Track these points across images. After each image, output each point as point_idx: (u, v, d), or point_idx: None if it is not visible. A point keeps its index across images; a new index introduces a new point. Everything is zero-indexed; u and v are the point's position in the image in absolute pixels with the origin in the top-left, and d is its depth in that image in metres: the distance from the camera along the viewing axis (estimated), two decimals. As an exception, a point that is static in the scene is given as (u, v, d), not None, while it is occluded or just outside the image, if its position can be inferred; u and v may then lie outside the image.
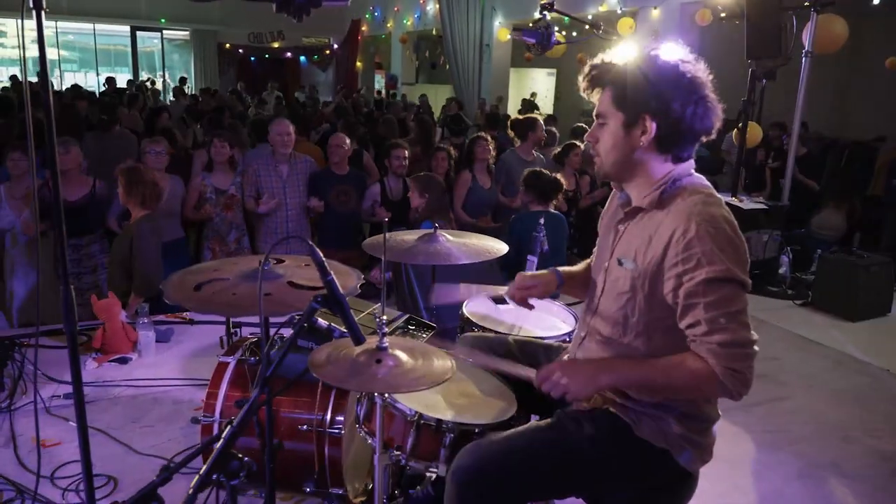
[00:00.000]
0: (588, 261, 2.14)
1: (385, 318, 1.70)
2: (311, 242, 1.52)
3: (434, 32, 16.53)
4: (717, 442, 3.31)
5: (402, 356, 1.68)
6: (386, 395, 1.88)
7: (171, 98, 15.37)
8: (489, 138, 5.78)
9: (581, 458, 1.76)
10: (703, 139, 1.73)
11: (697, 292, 1.57)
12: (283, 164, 5.02)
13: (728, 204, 5.43)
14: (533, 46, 4.20)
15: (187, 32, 20.66)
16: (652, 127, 1.67)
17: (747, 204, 5.74)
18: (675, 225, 1.63)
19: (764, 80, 5.89)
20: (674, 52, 1.72)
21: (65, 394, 3.42)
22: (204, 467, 1.47)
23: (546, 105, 17.22)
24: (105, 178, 4.71)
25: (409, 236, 2.87)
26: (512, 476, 1.72)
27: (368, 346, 1.68)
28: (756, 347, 1.59)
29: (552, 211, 4.52)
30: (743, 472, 3.10)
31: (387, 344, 1.67)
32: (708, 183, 1.76)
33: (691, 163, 1.76)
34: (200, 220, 5.02)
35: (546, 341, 2.27)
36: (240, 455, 1.52)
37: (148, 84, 17.67)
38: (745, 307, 1.59)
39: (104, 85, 14.85)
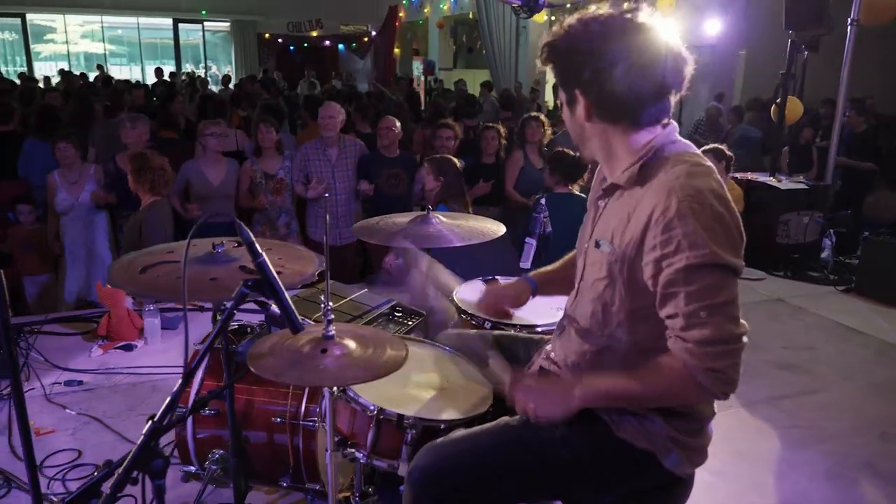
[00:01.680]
0: (569, 255, 1.97)
1: (331, 304, 1.56)
2: (238, 220, 1.39)
3: (471, 16, 16.28)
4: (738, 438, 3.13)
5: (351, 345, 1.54)
6: (342, 387, 1.75)
7: (221, 86, 15.55)
8: (542, 119, 5.59)
9: (553, 459, 1.58)
10: (674, 95, 1.52)
11: (677, 280, 1.38)
12: (332, 148, 4.94)
13: (765, 184, 5.09)
14: (519, 10, 3.98)
15: (228, 24, 20.87)
16: (583, 100, 1.51)
17: (786, 184, 5.40)
18: (655, 202, 1.42)
19: (806, 52, 5.52)
20: (615, 7, 1.51)
21: (66, 381, 3.41)
22: (123, 465, 1.36)
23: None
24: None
25: (402, 218, 2.73)
26: (475, 479, 1.57)
27: (314, 335, 1.54)
28: (745, 340, 1.39)
29: (575, 192, 4.32)
30: (764, 471, 2.87)
31: (333, 332, 1.53)
32: (696, 150, 1.55)
33: (673, 128, 1.55)
34: (254, 208, 4.97)
35: (528, 335, 2.09)
36: (165, 454, 1.40)
37: (186, 76, 17.97)
38: (732, 298, 1.38)
39: (155, 76, 15.16)
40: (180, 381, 1.41)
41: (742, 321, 1.40)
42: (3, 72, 17.85)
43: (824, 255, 5.44)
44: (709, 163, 1.51)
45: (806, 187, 5.45)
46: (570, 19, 1.51)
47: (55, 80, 15.31)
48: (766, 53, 8.72)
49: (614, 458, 1.59)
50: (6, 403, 3.17)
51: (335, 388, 1.62)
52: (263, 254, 1.40)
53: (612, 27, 1.45)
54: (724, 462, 2.92)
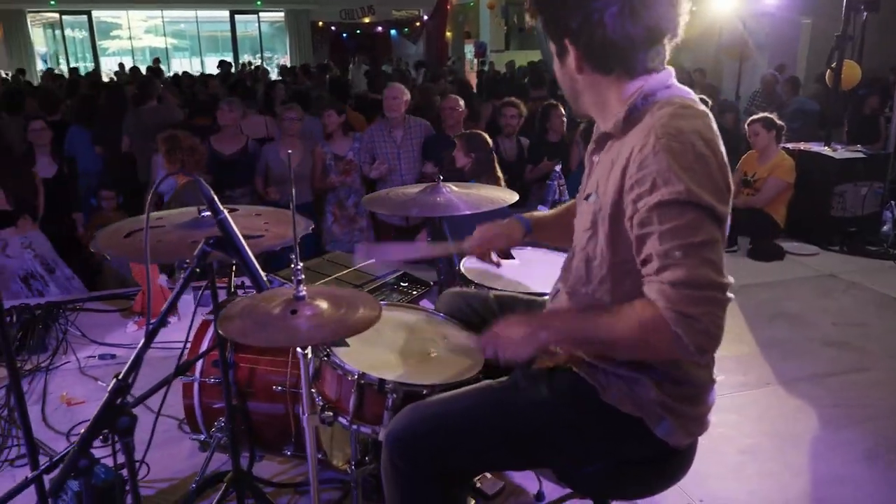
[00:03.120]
0: (570, 203, 1.88)
1: (302, 264, 1.52)
2: (198, 176, 1.37)
3: (522, -5, 15.99)
4: (774, 416, 2.97)
5: (323, 305, 1.50)
6: (325, 351, 1.72)
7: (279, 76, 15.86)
8: None
9: (532, 424, 1.51)
10: (668, 41, 1.41)
11: (650, 219, 1.28)
12: (398, 129, 4.98)
13: (818, 154, 4.79)
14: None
15: (282, 13, 21.19)
16: (573, 51, 1.42)
17: (841, 153, 5.08)
18: (634, 143, 1.34)
19: (865, 13, 5.16)
20: None
21: (100, 355, 3.52)
22: (89, 424, 1.37)
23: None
24: (141, 149, 4.87)
25: (412, 189, 2.68)
26: (452, 442, 1.51)
27: (286, 297, 1.51)
28: (729, 294, 1.27)
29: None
30: (799, 451, 2.71)
31: (304, 293, 1.49)
32: (691, 94, 1.44)
33: (668, 73, 1.44)
34: (326, 189, 5.10)
35: (529, 296, 2.01)
36: (132, 411, 1.40)
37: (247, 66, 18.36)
38: (711, 240, 1.26)
39: (217, 68, 15.54)
40: (143, 341, 1.41)
41: (727, 274, 1.28)
42: (74, 68, 18.66)
43: (885, 228, 5.11)
44: (703, 107, 1.40)
45: (863, 156, 5.11)
46: None
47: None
48: (833, 22, 8.24)
49: (600, 424, 1.50)
50: (41, 376, 3.31)
51: (310, 350, 1.59)
52: (224, 211, 1.38)
53: None
54: (756, 441, 2.77)
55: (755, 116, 5.07)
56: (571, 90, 1.53)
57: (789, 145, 5.25)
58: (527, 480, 2.43)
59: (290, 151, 1.64)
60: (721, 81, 10.85)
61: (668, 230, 1.26)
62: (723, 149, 1.35)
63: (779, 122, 4.97)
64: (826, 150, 5.13)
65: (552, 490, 2.30)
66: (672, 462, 1.61)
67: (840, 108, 5.59)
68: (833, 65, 5.15)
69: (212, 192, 1.38)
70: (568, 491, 2.05)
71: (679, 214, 1.26)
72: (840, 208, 5.12)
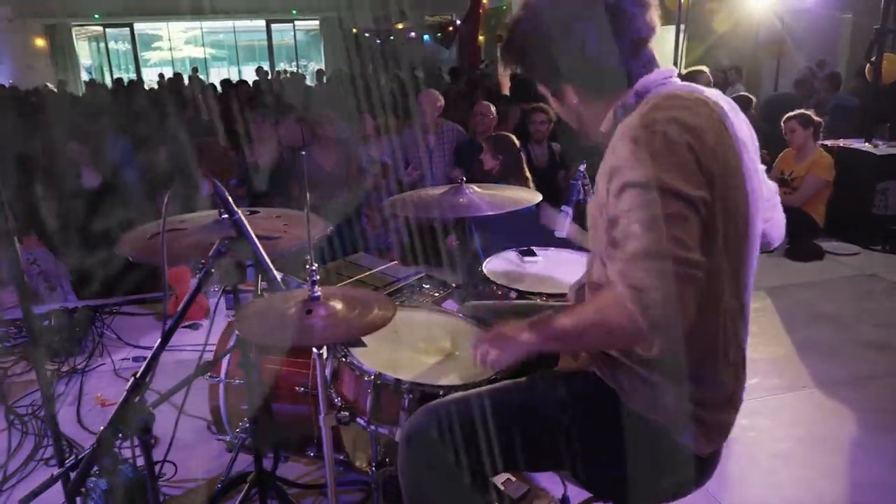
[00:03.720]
0: None
1: (316, 267, 1.52)
2: (214, 180, 1.38)
3: (554, -3, 15.87)
4: (810, 420, 2.89)
5: (338, 306, 1.51)
6: (343, 351, 1.73)
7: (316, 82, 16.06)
8: None
9: (548, 425, 1.49)
10: (652, 41, 1.39)
11: (614, 204, 1.27)
12: (430, 134, 5.04)
13: (858, 150, 4.64)
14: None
15: (317, 22, 21.46)
16: (570, 88, 1.43)
17: (882, 149, 4.92)
18: (614, 141, 1.34)
19: (905, 5, 5.00)
20: None
21: (134, 357, 3.60)
22: (107, 422, 1.39)
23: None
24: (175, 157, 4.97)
25: (435, 190, 2.68)
26: (467, 442, 1.50)
27: (301, 297, 1.52)
28: (696, 271, 1.17)
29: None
30: (835, 456, 2.63)
31: (319, 293, 1.50)
32: (690, 87, 1.38)
33: (661, 73, 1.40)
34: (361, 190, 5.13)
35: (552, 302, 1.99)
36: (150, 410, 1.42)
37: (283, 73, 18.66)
38: (675, 214, 1.19)
39: (256, 74, 15.82)
40: (159, 340, 1.43)
41: (700, 255, 1.18)
42: (118, 79, 19.16)
43: (932, 226, 4.93)
44: (698, 97, 1.32)
45: (905, 151, 4.95)
46: (515, 15, 1.43)
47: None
48: (874, 17, 8.00)
49: (617, 428, 1.47)
50: (77, 377, 3.39)
51: (325, 350, 1.60)
52: (238, 212, 1.39)
53: (563, 4, 1.37)
54: (789, 446, 2.70)
55: (791, 113, 4.94)
56: (579, 121, 1.53)
57: (828, 142, 5.10)
58: (552, 483, 2.40)
59: (296, 147, 1.64)
60: (759, 79, 10.63)
61: (629, 209, 1.23)
62: (716, 137, 1.27)
63: (816, 118, 4.84)
64: (867, 147, 4.98)
65: (577, 493, 2.26)
66: (696, 467, 1.56)
67: (881, 103, 5.39)
68: (873, 59, 4.99)
69: (226, 193, 1.39)
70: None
71: (640, 195, 1.22)
72: (882, 206, 4.96)
